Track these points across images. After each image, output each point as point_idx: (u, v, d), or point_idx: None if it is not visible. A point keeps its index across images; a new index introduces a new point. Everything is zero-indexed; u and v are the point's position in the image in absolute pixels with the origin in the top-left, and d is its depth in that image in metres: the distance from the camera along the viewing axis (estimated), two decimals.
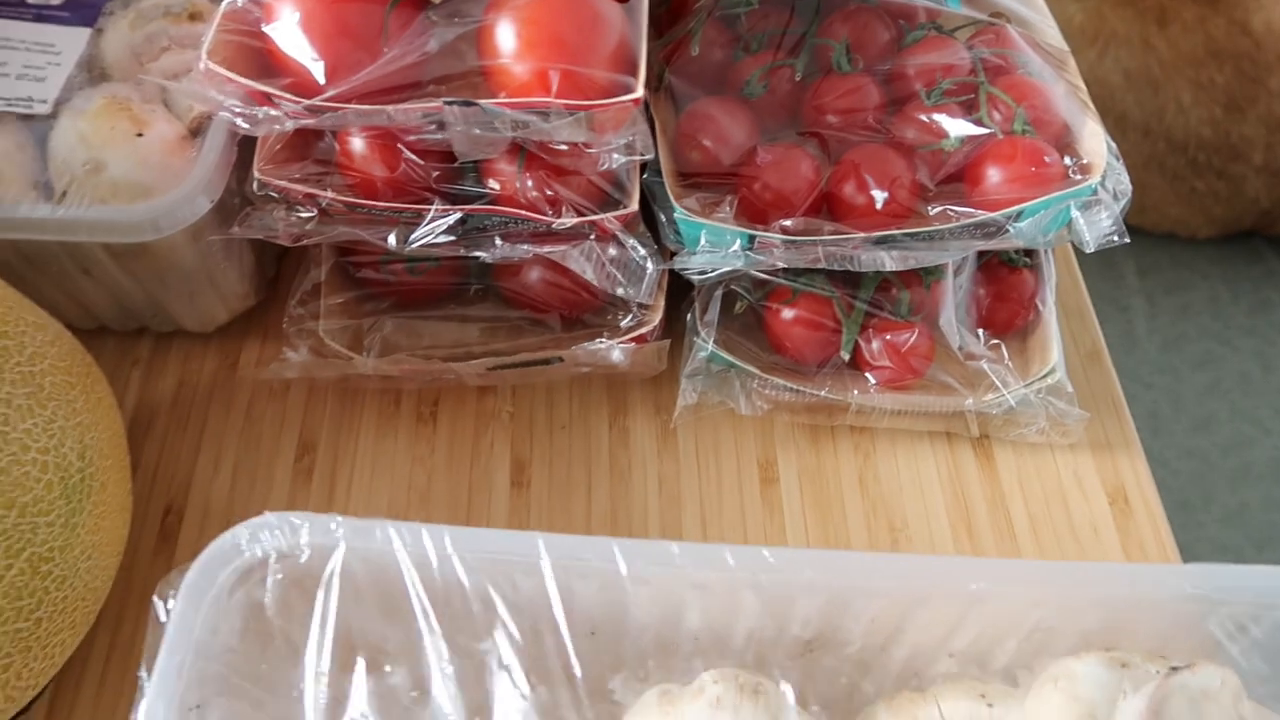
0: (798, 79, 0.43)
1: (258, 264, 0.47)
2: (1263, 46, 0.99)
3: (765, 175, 0.40)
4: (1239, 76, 1.00)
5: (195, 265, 0.43)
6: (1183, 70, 1.01)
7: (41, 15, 0.43)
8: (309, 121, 0.35)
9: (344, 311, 0.44)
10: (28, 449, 0.33)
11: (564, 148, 0.38)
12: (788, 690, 0.29)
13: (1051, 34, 0.43)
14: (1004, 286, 0.44)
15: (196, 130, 0.41)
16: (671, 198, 0.39)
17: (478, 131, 0.35)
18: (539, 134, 0.35)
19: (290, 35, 0.35)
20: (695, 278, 0.40)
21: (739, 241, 0.39)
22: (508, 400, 0.47)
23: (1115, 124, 1.01)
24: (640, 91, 0.34)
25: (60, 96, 0.41)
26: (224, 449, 0.46)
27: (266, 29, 0.36)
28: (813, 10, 0.45)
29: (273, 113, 0.35)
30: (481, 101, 0.34)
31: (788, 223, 0.39)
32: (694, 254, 0.39)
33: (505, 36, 0.35)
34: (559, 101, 0.34)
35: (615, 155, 0.36)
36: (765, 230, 0.38)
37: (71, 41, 0.43)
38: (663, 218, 0.40)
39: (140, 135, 0.40)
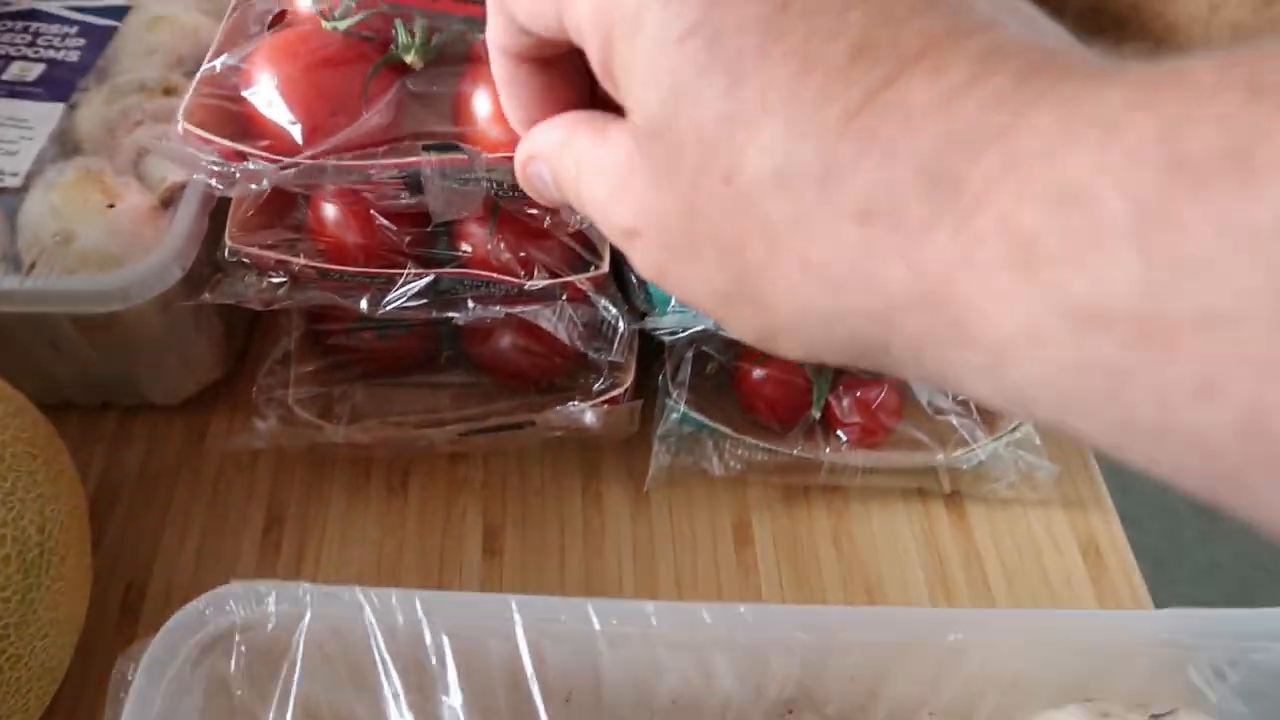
0: None
1: (227, 334, 0.47)
2: None
3: None
4: None
5: (164, 336, 0.42)
6: None
7: (15, 91, 0.44)
8: (286, 175, 0.36)
9: (314, 380, 0.44)
10: None
11: (535, 212, 0.38)
12: None
13: None
14: None
15: (168, 201, 0.42)
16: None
17: (454, 186, 0.36)
18: (514, 186, 0.36)
19: (269, 99, 0.36)
20: (666, 338, 0.41)
21: None
22: (479, 468, 0.47)
23: None
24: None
25: (32, 169, 0.41)
26: (189, 523, 0.45)
27: (246, 94, 0.36)
28: None
29: (250, 168, 0.35)
30: (464, 145, 0.35)
31: None
32: (665, 314, 0.40)
33: (481, 102, 0.36)
34: None
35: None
36: None
37: (45, 116, 0.43)
38: (634, 279, 0.40)
39: (112, 206, 0.40)
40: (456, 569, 0.44)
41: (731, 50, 0.17)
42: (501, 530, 0.45)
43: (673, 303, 0.40)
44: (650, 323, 0.40)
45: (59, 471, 0.36)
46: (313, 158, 0.37)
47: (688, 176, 0.18)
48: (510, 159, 0.37)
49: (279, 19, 0.40)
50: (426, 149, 0.37)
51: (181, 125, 0.37)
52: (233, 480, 0.46)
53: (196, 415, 0.48)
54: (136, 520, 0.45)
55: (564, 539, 0.44)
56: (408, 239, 0.40)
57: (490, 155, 0.36)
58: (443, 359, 0.46)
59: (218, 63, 0.38)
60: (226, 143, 0.37)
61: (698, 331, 0.41)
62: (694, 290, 0.20)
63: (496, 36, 0.22)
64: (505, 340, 0.45)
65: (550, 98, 0.23)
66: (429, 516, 0.45)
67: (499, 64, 0.23)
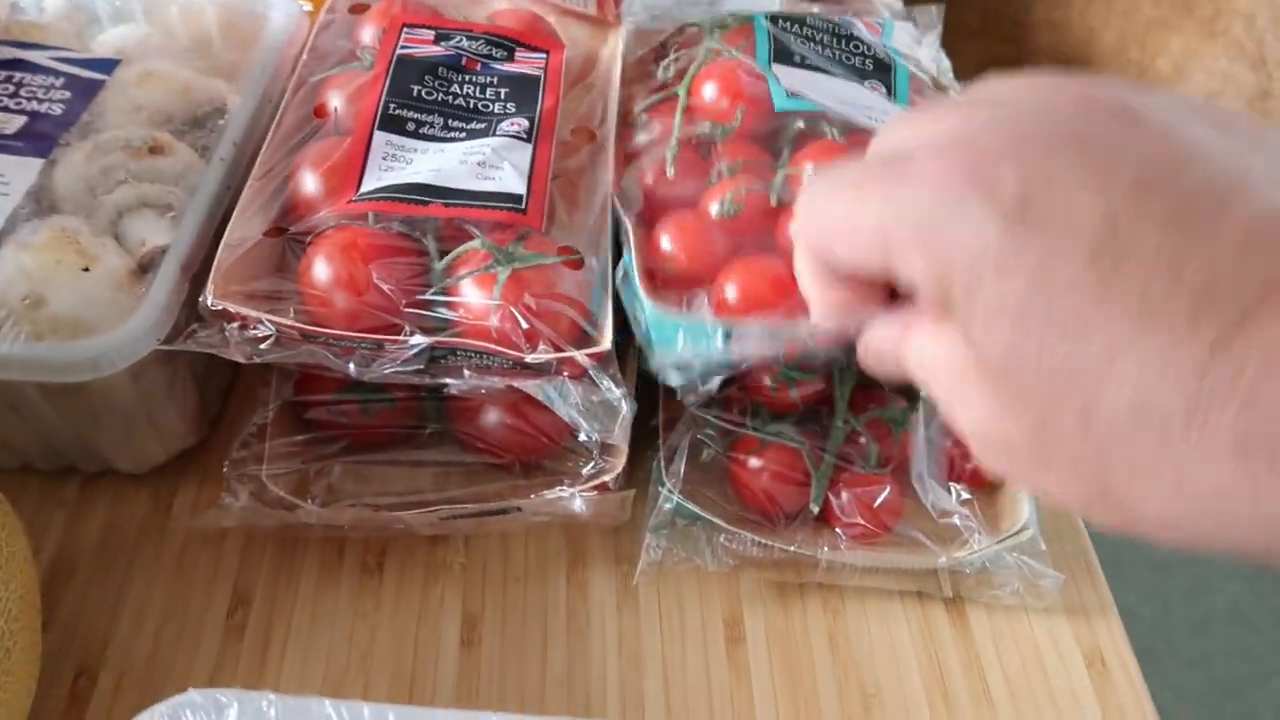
0: (773, 204, 0.43)
1: (201, 401, 0.45)
2: None
3: (741, 276, 0.39)
4: None
5: (134, 404, 0.40)
6: None
7: None
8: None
9: (291, 455, 0.42)
10: None
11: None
12: None
13: None
14: None
15: (147, 266, 0.40)
16: (644, 296, 0.39)
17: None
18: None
19: (317, 281, 0.39)
20: (675, 377, 0.39)
21: (719, 333, 0.37)
22: (460, 550, 0.44)
23: None
24: (607, 345, 0.38)
25: (4, 228, 0.39)
26: (149, 602, 0.42)
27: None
28: (787, 142, 0.45)
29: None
30: (458, 343, 0.38)
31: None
32: (673, 360, 0.38)
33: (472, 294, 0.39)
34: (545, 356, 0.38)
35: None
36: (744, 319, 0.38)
37: (22, 172, 0.41)
38: (638, 316, 0.39)
39: (87, 270, 0.38)
40: (432, 660, 0.41)
41: (1068, 309, 0.19)
42: (481, 618, 0.42)
43: (680, 344, 0.38)
44: (656, 359, 0.39)
45: (11, 554, 0.34)
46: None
47: (1036, 414, 0.20)
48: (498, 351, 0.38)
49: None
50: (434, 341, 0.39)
51: (211, 299, 0.38)
52: (198, 555, 0.44)
53: (164, 484, 0.46)
54: (93, 596, 0.43)
55: (546, 629, 0.42)
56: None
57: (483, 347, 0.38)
58: (427, 434, 0.44)
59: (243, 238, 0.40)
60: (253, 313, 0.38)
61: (702, 395, 0.39)
62: (1044, 487, 0.21)
63: (806, 264, 0.26)
64: (493, 417, 0.43)
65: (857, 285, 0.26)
66: (405, 601, 0.43)
67: (807, 267, 0.26)
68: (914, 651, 0.42)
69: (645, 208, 0.43)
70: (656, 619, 0.43)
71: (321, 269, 0.38)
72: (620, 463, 0.41)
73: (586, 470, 0.42)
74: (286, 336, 0.38)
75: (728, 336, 0.37)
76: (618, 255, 0.43)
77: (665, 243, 0.41)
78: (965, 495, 0.42)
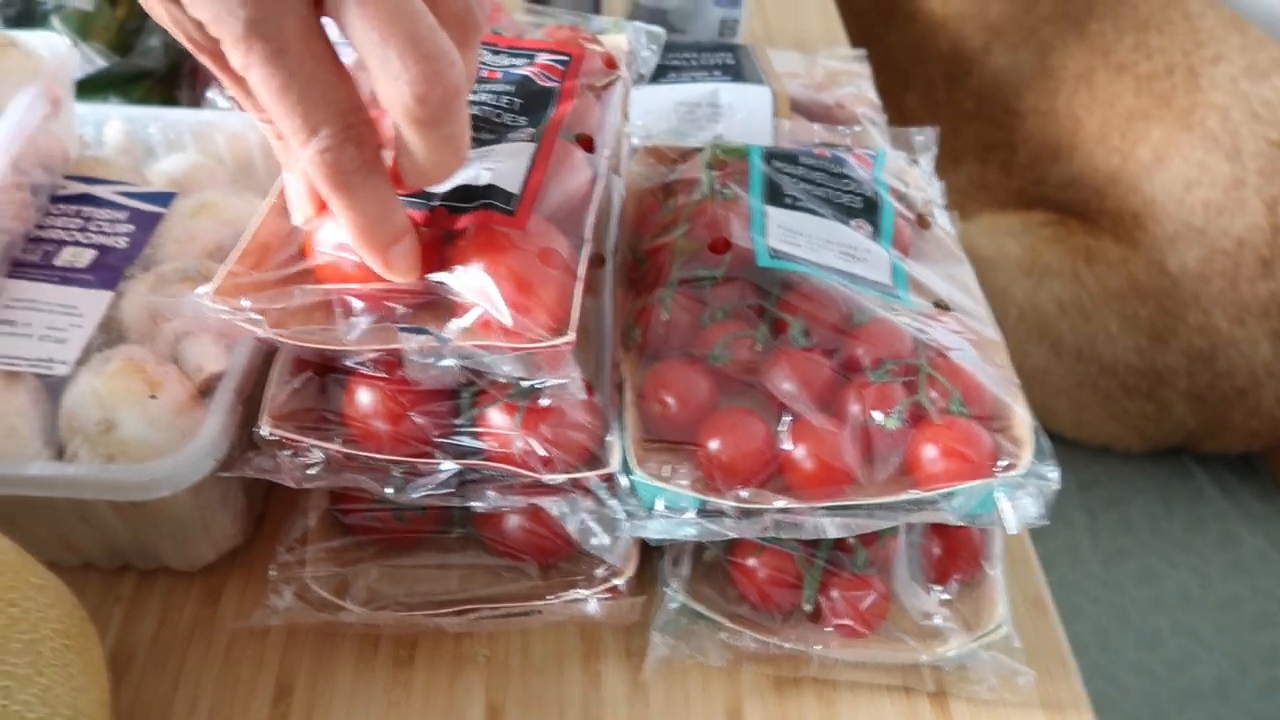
0: (758, 349, 0.47)
1: (248, 505, 0.49)
2: (1179, 285, 1.08)
3: (722, 438, 0.43)
4: (1160, 311, 1.10)
5: (192, 515, 0.45)
6: (1110, 303, 1.11)
7: (67, 278, 0.47)
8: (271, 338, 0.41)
9: (330, 559, 0.46)
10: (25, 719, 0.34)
11: (548, 403, 0.42)
12: None
13: (988, 324, 0.49)
14: (953, 541, 0.47)
15: (206, 390, 0.44)
16: (632, 459, 0.43)
17: (429, 360, 0.40)
18: (482, 366, 0.40)
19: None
20: (652, 540, 0.43)
21: (693, 508, 0.41)
22: (484, 643, 0.48)
23: (1050, 348, 1.09)
24: (571, 337, 0.39)
25: (80, 358, 0.44)
26: (200, 692, 0.46)
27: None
28: (775, 286, 0.50)
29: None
30: (432, 329, 0.39)
31: (744, 493, 0.42)
32: (650, 518, 0.42)
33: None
34: (503, 345, 0.39)
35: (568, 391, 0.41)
36: (719, 498, 0.42)
37: (94, 304, 0.46)
38: (624, 482, 0.43)
39: (154, 397, 0.43)
40: None
41: None
42: (503, 708, 0.46)
43: (658, 506, 0.42)
44: (635, 528, 0.43)
45: (89, 659, 0.38)
46: None
47: None
48: (480, 346, 0.39)
49: None
50: (403, 330, 0.40)
51: (210, 299, 0.40)
52: (244, 649, 0.48)
53: (212, 580, 0.50)
54: (149, 686, 0.46)
55: (563, 719, 0.46)
56: (436, 432, 0.43)
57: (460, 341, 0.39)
58: (453, 538, 0.48)
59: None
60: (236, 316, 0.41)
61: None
62: None
63: None
64: (514, 522, 0.47)
65: None
66: (434, 692, 0.47)
67: None
68: None
69: (645, 345, 0.47)
70: (664, 710, 0.46)
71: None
72: (630, 569, 0.45)
73: (599, 573, 0.46)
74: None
75: (703, 506, 0.41)
76: None
77: (653, 390, 0.45)
78: (945, 596, 0.46)
